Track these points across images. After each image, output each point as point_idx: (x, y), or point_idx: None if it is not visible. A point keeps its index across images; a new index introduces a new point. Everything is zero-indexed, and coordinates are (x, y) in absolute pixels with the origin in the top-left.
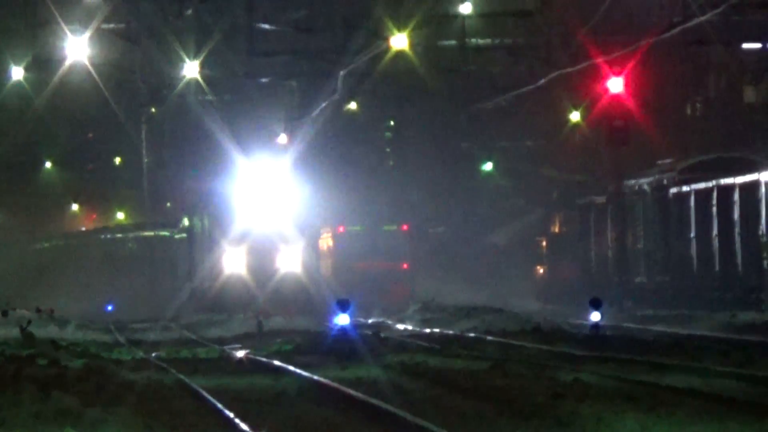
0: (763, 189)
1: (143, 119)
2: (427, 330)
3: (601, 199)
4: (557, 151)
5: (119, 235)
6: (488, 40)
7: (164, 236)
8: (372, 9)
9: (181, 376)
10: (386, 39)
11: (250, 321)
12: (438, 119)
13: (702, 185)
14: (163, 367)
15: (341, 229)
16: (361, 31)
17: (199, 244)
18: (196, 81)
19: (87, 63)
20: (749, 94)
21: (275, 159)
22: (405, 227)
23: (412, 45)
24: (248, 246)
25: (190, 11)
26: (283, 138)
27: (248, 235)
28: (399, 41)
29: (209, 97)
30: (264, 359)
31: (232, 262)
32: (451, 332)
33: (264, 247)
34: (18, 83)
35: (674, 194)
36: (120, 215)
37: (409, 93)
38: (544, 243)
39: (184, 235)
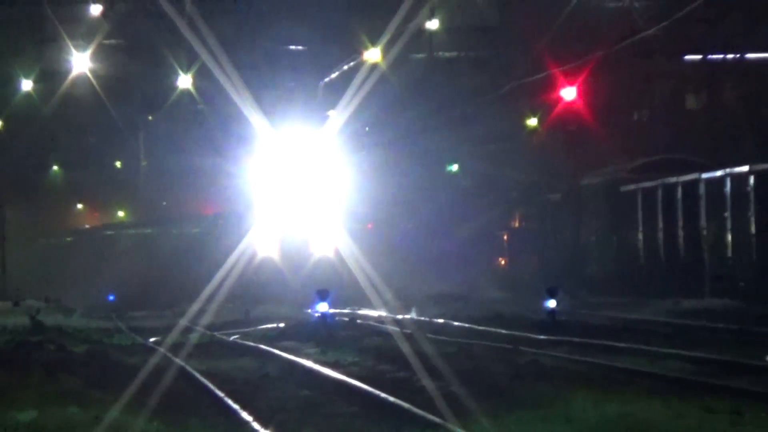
0: (702, 187)
1: (141, 126)
2: (399, 317)
3: (557, 197)
4: (517, 153)
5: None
6: (454, 53)
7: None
8: (348, 26)
9: (176, 360)
10: (361, 53)
11: (238, 309)
12: (409, 125)
13: (648, 184)
14: (159, 351)
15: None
16: (339, 45)
17: (229, 234)
18: (189, 91)
19: (90, 75)
20: (691, 101)
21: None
22: (369, 225)
23: (384, 58)
24: (280, 233)
25: (183, 27)
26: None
27: (280, 223)
28: (372, 54)
29: (201, 106)
30: (251, 344)
31: (265, 249)
32: (422, 318)
33: (297, 233)
34: (27, 94)
35: (623, 192)
36: (120, 213)
37: (382, 101)
38: (505, 237)
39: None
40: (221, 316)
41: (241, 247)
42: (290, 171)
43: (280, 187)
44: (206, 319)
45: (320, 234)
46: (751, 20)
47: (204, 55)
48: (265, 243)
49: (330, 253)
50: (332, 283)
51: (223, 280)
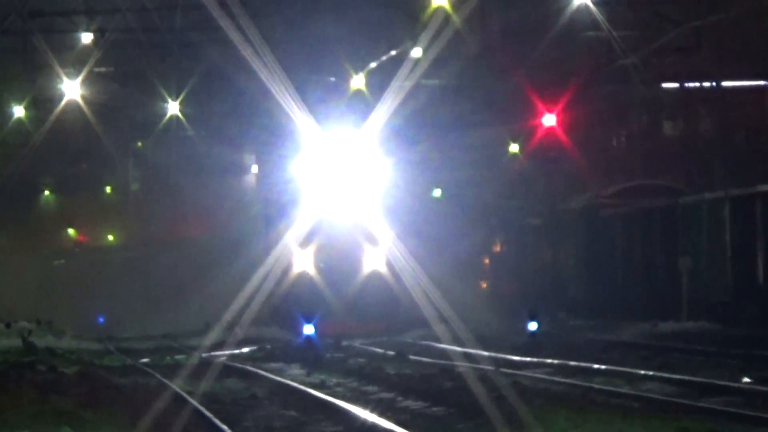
0: (679, 212)
1: (130, 152)
2: (384, 338)
3: (537, 222)
4: (498, 179)
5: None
6: (436, 81)
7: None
8: (334, 53)
9: (165, 380)
10: (347, 80)
11: (226, 330)
12: (394, 152)
13: (627, 209)
14: (149, 372)
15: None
16: (326, 73)
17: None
18: (178, 118)
19: (80, 102)
20: (667, 128)
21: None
22: None
23: (369, 85)
24: (318, 243)
25: (171, 56)
26: (254, 168)
27: (319, 230)
28: (357, 82)
29: (189, 133)
30: (238, 365)
31: (301, 263)
32: (407, 340)
33: (340, 244)
34: (18, 120)
35: (602, 216)
36: (110, 237)
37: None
38: (486, 261)
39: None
40: (209, 337)
41: (268, 262)
42: (330, 175)
43: (319, 191)
44: (194, 341)
45: (368, 244)
46: (726, 50)
47: (192, 83)
48: (300, 255)
49: (382, 267)
50: (386, 305)
51: (233, 299)
